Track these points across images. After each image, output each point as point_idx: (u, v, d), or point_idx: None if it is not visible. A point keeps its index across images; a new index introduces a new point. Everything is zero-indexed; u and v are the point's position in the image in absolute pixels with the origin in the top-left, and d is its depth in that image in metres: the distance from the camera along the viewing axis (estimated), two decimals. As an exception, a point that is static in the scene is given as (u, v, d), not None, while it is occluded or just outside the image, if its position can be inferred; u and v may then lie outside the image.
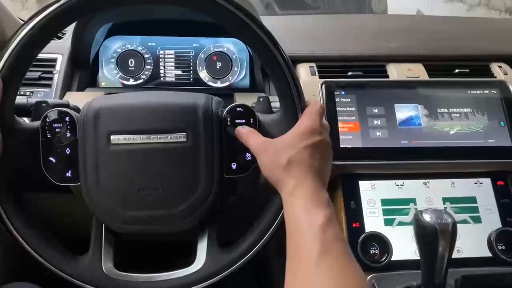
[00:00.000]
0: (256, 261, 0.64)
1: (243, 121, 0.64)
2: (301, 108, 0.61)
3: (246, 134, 0.62)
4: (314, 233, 0.48)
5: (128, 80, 0.96)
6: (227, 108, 0.64)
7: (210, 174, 0.62)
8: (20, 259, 0.87)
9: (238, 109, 0.64)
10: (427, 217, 0.61)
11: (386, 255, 0.74)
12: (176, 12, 0.90)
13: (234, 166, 0.64)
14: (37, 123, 0.61)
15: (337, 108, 0.82)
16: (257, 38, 0.59)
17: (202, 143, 0.61)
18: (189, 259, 0.64)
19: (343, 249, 0.48)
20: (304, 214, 0.51)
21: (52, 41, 0.85)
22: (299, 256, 0.48)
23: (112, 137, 0.60)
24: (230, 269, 0.61)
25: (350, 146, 0.80)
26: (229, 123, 0.64)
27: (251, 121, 0.64)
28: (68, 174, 0.61)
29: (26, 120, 0.68)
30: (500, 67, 0.91)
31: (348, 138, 0.80)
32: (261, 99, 0.68)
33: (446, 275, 0.63)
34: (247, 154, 0.64)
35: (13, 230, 0.59)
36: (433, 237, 0.60)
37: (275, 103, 0.67)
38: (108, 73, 0.95)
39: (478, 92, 0.85)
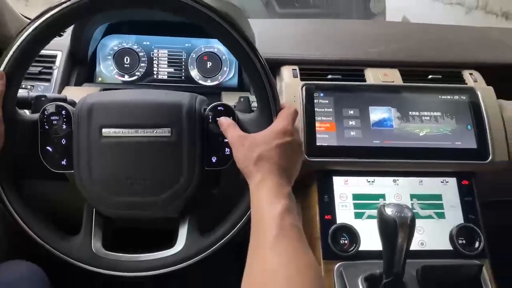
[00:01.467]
0: (236, 246, 0.70)
1: None
2: (275, 110, 0.68)
3: (227, 125, 0.68)
4: (272, 220, 0.54)
5: (123, 76, 1.02)
6: (209, 107, 0.70)
7: (192, 166, 0.68)
8: (19, 239, 0.93)
9: (219, 108, 0.70)
10: (388, 211, 0.67)
11: (354, 245, 0.80)
12: (169, 14, 0.96)
13: (214, 159, 0.70)
14: (37, 115, 0.68)
15: (315, 109, 0.88)
16: (238, 45, 0.65)
17: (185, 138, 0.68)
18: (171, 244, 0.71)
19: (297, 235, 0.54)
20: (266, 204, 0.57)
21: (52, 39, 0.91)
22: (259, 239, 0.55)
23: (103, 130, 0.66)
24: (207, 252, 0.68)
25: (326, 144, 0.86)
26: (210, 121, 0.70)
27: (231, 119, 0.70)
28: (63, 162, 0.68)
29: (26, 112, 0.74)
30: (471, 74, 0.96)
31: (324, 137, 0.86)
32: (241, 99, 0.75)
33: (405, 264, 0.69)
34: (226, 149, 0.70)
35: (11, 210, 0.66)
36: (393, 229, 0.66)
37: (256, 102, 0.73)
38: (105, 70, 1.02)
39: (448, 97, 0.91)
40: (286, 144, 0.64)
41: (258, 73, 0.66)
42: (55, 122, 0.68)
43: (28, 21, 0.99)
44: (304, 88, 0.89)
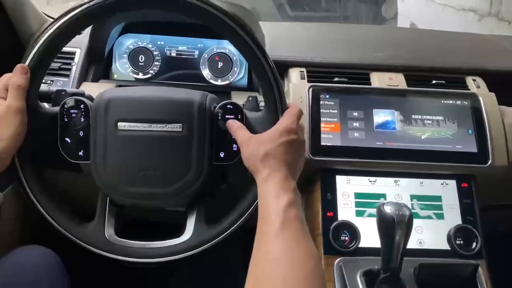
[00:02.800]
0: (243, 235, 0.74)
1: (232, 116, 0.74)
2: (282, 109, 0.71)
3: (236, 128, 0.72)
4: (278, 212, 0.58)
5: (138, 74, 1.06)
6: (219, 105, 0.74)
7: (201, 161, 0.72)
8: (31, 225, 0.98)
9: (228, 106, 0.74)
10: (387, 209, 0.70)
11: (354, 241, 0.83)
12: (183, 16, 1.00)
13: (222, 155, 0.74)
14: (57, 109, 0.72)
15: (321, 110, 0.91)
16: (247, 46, 0.69)
17: (195, 134, 0.72)
18: (179, 233, 0.75)
19: (300, 227, 0.58)
20: (273, 197, 0.61)
21: (72, 37, 0.96)
22: (264, 229, 0.58)
23: (119, 123, 0.71)
24: (213, 241, 0.72)
25: (330, 144, 0.89)
26: (220, 118, 0.74)
27: (239, 117, 0.74)
28: (80, 153, 0.72)
29: (46, 105, 0.79)
30: (474, 80, 0.99)
31: (329, 137, 0.90)
32: (250, 98, 0.78)
33: (402, 260, 0.72)
34: (234, 146, 0.74)
35: (30, 195, 0.70)
36: (391, 226, 0.69)
37: (263, 102, 0.77)
38: (121, 67, 1.06)
39: (450, 102, 0.94)
40: (291, 142, 0.68)
41: (266, 74, 0.70)
42: (74, 115, 0.72)
43: (49, 19, 1.05)
44: (310, 89, 0.93)
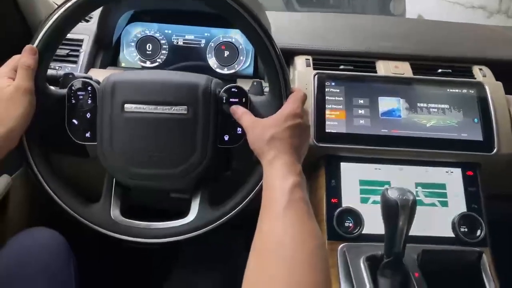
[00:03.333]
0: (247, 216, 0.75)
1: (237, 100, 0.74)
2: (286, 94, 0.72)
3: (241, 113, 0.73)
4: (283, 192, 0.58)
5: (145, 62, 1.07)
6: (224, 88, 0.75)
7: (205, 143, 0.73)
8: (39, 208, 0.99)
9: (233, 89, 0.74)
10: (391, 194, 0.70)
11: (358, 228, 0.83)
12: (190, 4, 1.01)
13: (226, 138, 0.75)
14: (64, 91, 0.73)
15: (326, 97, 0.91)
16: (255, 33, 0.70)
17: (200, 117, 0.72)
18: (183, 216, 0.75)
19: (305, 209, 0.58)
20: (278, 179, 0.61)
21: (80, 24, 0.97)
22: (269, 208, 0.59)
23: (125, 105, 0.71)
24: (216, 223, 0.72)
25: (335, 131, 0.89)
26: (224, 101, 0.74)
27: (244, 101, 0.74)
28: (87, 135, 0.73)
29: (53, 88, 0.80)
30: (481, 69, 0.99)
31: (334, 124, 0.90)
32: (254, 83, 0.79)
33: (405, 245, 0.72)
34: (238, 129, 0.74)
35: (38, 175, 0.71)
36: (395, 211, 0.69)
37: (268, 87, 0.77)
38: (128, 55, 1.07)
39: (456, 90, 0.94)
40: (296, 126, 0.68)
41: (271, 58, 0.71)
42: (81, 97, 0.73)
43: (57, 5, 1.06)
44: (316, 76, 0.93)
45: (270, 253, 0.54)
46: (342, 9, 3.28)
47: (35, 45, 0.69)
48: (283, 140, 0.66)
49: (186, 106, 0.72)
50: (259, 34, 0.70)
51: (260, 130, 0.68)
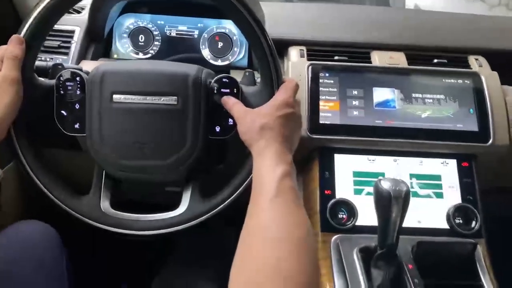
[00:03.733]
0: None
1: (228, 90, 0.73)
2: (277, 84, 0.71)
3: (232, 103, 0.72)
4: (272, 181, 0.58)
5: (138, 54, 1.06)
6: (215, 78, 0.74)
7: (196, 134, 0.72)
8: (30, 202, 0.99)
9: (224, 79, 0.73)
10: (384, 185, 0.69)
11: (352, 219, 0.83)
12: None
13: (217, 129, 0.74)
14: (53, 81, 0.72)
15: (320, 88, 0.90)
16: (247, 23, 0.69)
17: (190, 107, 0.71)
18: (174, 208, 0.75)
19: (294, 197, 0.58)
20: (268, 167, 0.60)
21: (71, 15, 0.97)
22: (258, 197, 0.58)
23: (114, 96, 0.71)
24: (207, 215, 0.72)
25: (329, 123, 0.89)
26: (215, 92, 0.73)
27: (235, 91, 0.73)
28: (76, 126, 0.72)
29: (42, 79, 0.79)
30: (477, 59, 0.98)
31: (328, 115, 0.89)
32: (246, 73, 0.78)
33: (398, 237, 0.71)
34: (230, 120, 0.73)
35: (27, 167, 0.71)
36: (388, 202, 0.68)
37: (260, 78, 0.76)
38: (121, 47, 1.06)
39: (452, 81, 0.93)
40: (287, 115, 0.67)
41: (263, 48, 0.70)
42: (69, 88, 0.72)
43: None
44: (310, 67, 0.92)
45: (259, 239, 0.54)
46: (341, 2, 3.25)
47: (21, 34, 0.68)
48: (274, 129, 0.65)
49: (175, 97, 0.71)
50: (250, 24, 0.69)
51: (251, 120, 0.67)
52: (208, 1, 0.70)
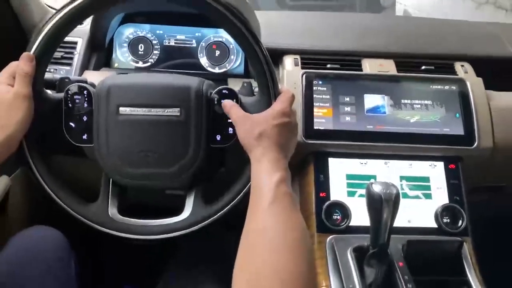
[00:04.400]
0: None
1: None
2: (274, 94, 0.75)
3: (230, 107, 0.76)
4: (269, 188, 0.62)
5: (137, 62, 1.09)
6: (215, 90, 0.78)
7: (198, 143, 0.76)
8: (38, 207, 1.02)
9: (224, 91, 0.78)
10: (376, 188, 0.73)
11: (346, 220, 0.87)
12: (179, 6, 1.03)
13: (218, 137, 0.78)
14: (61, 95, 0.76)
15: (314, 95, 0.95)
16: (243, 37, 0.73)
17: (193, 118, 0.75)
18: (178, 213, 0.79)
19: (290, 202, 0.62)
20: (265, 174, 0.65)
21: (73, 26, 0.99)
22: (256, 202, 0.62)
23: (120, 108, 0.74)
24: (209, 219, 0.76)
25: (323, 128, 0.93)
26: (216, 102, 0.78)
27: (234, 101, 0.77)
28: (84, 137, 0.76)
29: (51, 92, 0.82)
30: (462, 66, 1.03)
31: (321, 121, 0.93)
32: (244, 84, 0.82)
33: (390, 237, 0.76)
34: (230, 129, 0.77)
35: (38, 176, 0.74)
36: (379, 204, 0.72)
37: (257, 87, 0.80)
38: (121, 56, 1.09)
39: (439, 87, 0.98)
40: (284, 124, 0.71)
41: (259, 60, 0.74)
42: (77, 100, 0.76)
43: (52, 10, 1.09)
44: (304, 76, 0.96)
45: (257, 242, 0.58)
46: (332, 1, 3.30)
47: (32, 51, 0.72)
48: (271, 137, 0.69)
49: (178, 108, 0.75)
50: (246, 37, 0.72)
51: (250, 126, 0.71)
52: (204, 15, 0.73)
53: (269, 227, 0.58)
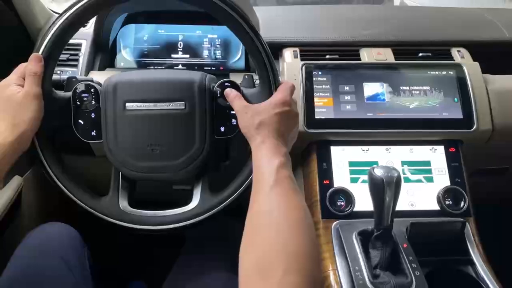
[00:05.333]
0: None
1: None
2: (275, 84, 0.77)
3: (233, 96, 0.78)
4: (269, 172, 0.64)
5: (141, 62, 1.12)
6: (217, 83, 0.80)
7: (203, 135, 0.78)
8: (51, 204, 1.05)
9: (226, 83, 0.80)
10: (377, 172, 0.75)
11: (350, 206, 0.89)
12: (180, 4, 1.06)
13: (222, 129, 0.80)
14: (69, 93, 0.79)
15: (314, 86, 0.97)
16: (244, 32, 0.75)
17: (197, 111, 0.78)
18: (186, 204, 0.81)
19: (290, 185, 0.64)
20: (265, 160, 0.67)
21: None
22: (258, 188, 0.64)
23: (127, 104, 0.77)
24: (217, 208, 0.78)
25: (324, 117, 0.95)
26: (219, 95, 0.80)
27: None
28: (93, 133, 0.79)
29: (59, 92, 0.85)
30: (459, 51, 1.05)
31: (322, 111, 0.96)
32: (246, 77, 0.84)
33: (393, 219, 0.78)
34: (233, 120, 0.80)
35: (51, 173, 0.77)
36: (381, 188, 0.74)
37: (258, 80, 0.83)
38: (125, 56, 1.12)
39: (436, 72, 1.00)
40: (284, 113, 0.74)
41: (259, 52, 0.76)
42: (85, 98, 0.78)
43: (55, 14, 1.12)
44: (304, 67, 0.99)
45: (261, 222, 0.60)
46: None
47: (39, 52, 0.75)
48: (270, 125, 0.72)
49: (183, 102, 0.77)
50: (247, 32, 0.75)
51: (250, 116, 0.73)
52: (205, 11, 0.76)
53: (272, 209, 0.60)
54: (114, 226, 0.79)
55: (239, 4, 0.88)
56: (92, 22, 1.08)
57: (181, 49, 1.13)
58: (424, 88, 0.98)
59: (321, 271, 0.81)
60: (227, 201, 0.79)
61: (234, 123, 0.80)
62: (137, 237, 0.81)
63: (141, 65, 1.12)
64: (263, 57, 0.76)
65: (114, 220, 0.78)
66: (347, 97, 0.97)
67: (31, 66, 0.74)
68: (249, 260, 0.56)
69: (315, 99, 0.96)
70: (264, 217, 0.60)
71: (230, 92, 0.78)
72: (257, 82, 0.83)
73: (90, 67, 1.05)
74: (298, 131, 0.79)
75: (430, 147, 0.96)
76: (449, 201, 0.91)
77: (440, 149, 0.96)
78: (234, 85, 0.80)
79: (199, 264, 0.87)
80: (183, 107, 0.77)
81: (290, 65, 1.00)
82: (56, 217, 0.92)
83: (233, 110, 0.77)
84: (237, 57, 1.13)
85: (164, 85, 0.78)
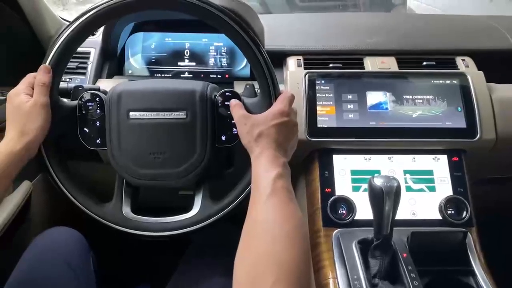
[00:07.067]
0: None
1: None
2: (275, 95, 0.79)
3: (234, 105, 0.79)
4: (267, 183, 0.65)
5: (149, 69, 1.14)
6: (219, 93, 0.82)
7: (204, 144, 0.80)
8: (59, 209, 1.07)
9: (227, 93, 0.81)
10: (377, 181, 0.76)
11: (351, 214, 0.90)
12: (183, 15, 1.08)
13: (223, 138, 0.82)
14: (75, 102, 0.81)
15: (317, 95, 0.98)
16: (245, 42, 0.77)
17: (198, 120, 0.79)
18: (188, 211, 0.83)
19: (287, 195, 0.65)
20: (263, 170, 0.68)
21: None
22: (256, 198, 0.66)
23: (130, 113, 0.79)
24: (216, 216, 0.80)
25: (326, 126, 0.96)
26: (220, 105, 0.82)
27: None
28: (98, 141, 0.81)
29: (66, 100, 0.88)
30: (463, 60, 1.04)
31: (325, 119, 0.96)
32: (247, 86, 0.86)
33: (393, 228, 0.78)
34: (234, 129, 0.81)
35: (56, 179, 0.79)
36: (380, 197, 0.75)
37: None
38: (133, 64, 1.14)
39: (440, 81, 0.99)
40: (282, 123, 0.75)
41: (260, 63, 0.77)
42: (90, 107, 0.81)
43: (66, 22, 1.15)
44: (306, 76, 0.99)
45: (255, 231, 0.61)
46: (342, 1, 3.31)
47: (47, 62, 0.77)
48: (269, 136, 0.73)
49: (185, 111, 0.79)
50: (248, 43, 0.76)
51: (249, 126, 0.75)
52: (208, 23, 0.77)
53: (267, 219, 0.61)
54: (118, 232, 0.81)
55: (242, 13, 0.90)
56: (100, 30, 1.10)
57: (188, 57, 1.15)
58: (428, 97, 0.98)
59: (309, 283, 0.82)
60: (227, 209, 0.80)
61: (235, 132, 0.81)
62: (140, 242, 0.83)
63: (149, 73, 1.14)
64: (263, 67, 0.78)
65: (117, 226, 0.80)
66: (350, 106, 0.97)
67: (40, 76, 0.76)
68: (242, 268, 0.58)
69: (318, 108, 0.97)
70: (259, 227, 0.61)
71: (233, 101, 0.80)
72: (258, 91, 0.85)
73: (98, 75, 1.07)
74: (298, 140, 0.80)
75: (433, 156, 0.96)
76: (451, 210, 0.91)
77: (443, 158, 0.96)
78: (235, 95, 0.81)
79: (200, 270, 0.89)
80: (185, 117, 0.79)
81: (293, 74, 1.01)
82: (63, 222, 0.95)
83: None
84: (243, 65, 1.14)
85: (167, 95, 0.80)
